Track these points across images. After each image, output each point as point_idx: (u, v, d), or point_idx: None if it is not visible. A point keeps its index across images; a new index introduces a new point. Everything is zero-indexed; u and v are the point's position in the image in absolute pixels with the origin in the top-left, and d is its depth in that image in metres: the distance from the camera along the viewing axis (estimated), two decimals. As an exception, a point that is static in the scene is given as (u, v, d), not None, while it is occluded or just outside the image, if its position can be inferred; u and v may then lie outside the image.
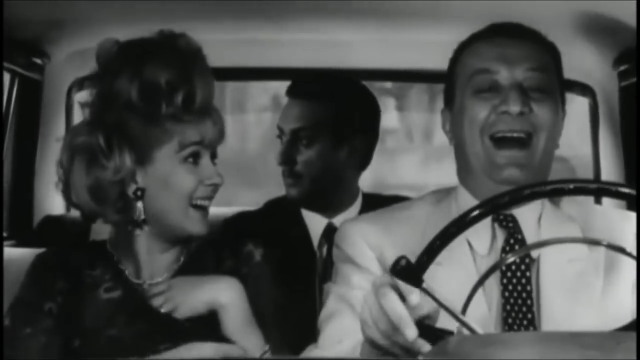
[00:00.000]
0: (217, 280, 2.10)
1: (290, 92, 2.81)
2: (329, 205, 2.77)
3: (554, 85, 2.01)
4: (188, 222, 2.07)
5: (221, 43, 2.68)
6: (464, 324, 1.52)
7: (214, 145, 2.10)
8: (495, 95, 1.96)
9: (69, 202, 2.14)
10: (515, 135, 1.95)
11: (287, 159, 2.75)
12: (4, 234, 2.83)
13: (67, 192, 2.11)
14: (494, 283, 1.93)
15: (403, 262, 1.51)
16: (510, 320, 1.91)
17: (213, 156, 2.11)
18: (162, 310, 2.07)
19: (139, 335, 2.06)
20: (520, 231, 1.97)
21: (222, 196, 2.15)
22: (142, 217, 2.07)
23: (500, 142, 1.95)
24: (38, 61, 2.77)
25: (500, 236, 1.98)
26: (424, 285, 1.52)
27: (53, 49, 2.78)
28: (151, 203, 2.07)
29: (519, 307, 1.92)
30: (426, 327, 1.53)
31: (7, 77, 2.78)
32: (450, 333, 1.52)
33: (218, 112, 2.11)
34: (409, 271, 1.51)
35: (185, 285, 2.09)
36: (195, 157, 2.07)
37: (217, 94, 2.11)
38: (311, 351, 1.98)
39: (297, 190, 2.75)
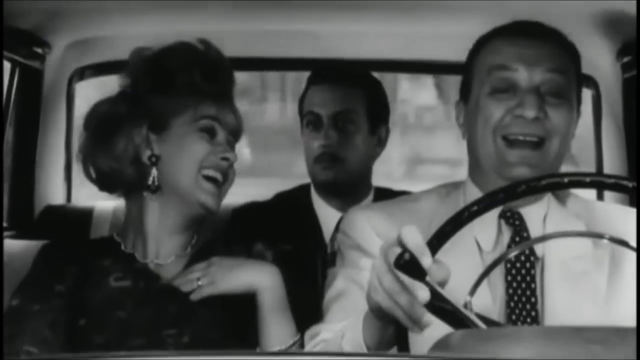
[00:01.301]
0: (261, 264, 2.14)
1: (317, 78, 2.80)
2: (352, 194, 2.76)
3: (571, 88, 1.99)
4: (199, 192, 2.10)
5: (233, 34, 2.67)
6: (466, 318, 1.51)
7: (231, 130, 2.15)
8: (511, 96, 1.95)
9: (86, 172, 2.18)
10: (528, 139, 1.94)
11: (331, 143, 2.74)
12: (4, 224, 2.82)
13: (85, 162, 2.17)
14: (498, 279, 1.93)
15: (407, 255, 1.50)
16: (514, 317, 1.90)
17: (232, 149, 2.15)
18: (199, 283, 2.09)
19: (146, 320, 2.08)
20: (526, 229, 1.97)
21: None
22: (156, 182, 2.11)
23: (512, 143, 1.95)
24: (39, 50, 2.75)
25: (507, 233, 1.97)
26: (427, 278, 1.51)
27: (54, 39, 2.77)
28: (164, 170, 2.11)
29: (523, 304, 1.91)
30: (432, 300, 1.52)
31: (7, 66, 2.77)
32: (457, 310, 1.51)
33: (238, 112, 2.18)
34: (413, 265, 1.50)
35: (226, 264, 2.12)
36: (211, 132, 2.12)
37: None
38: (316, 328, 1.97)
39: (332, 174, 2.74)
